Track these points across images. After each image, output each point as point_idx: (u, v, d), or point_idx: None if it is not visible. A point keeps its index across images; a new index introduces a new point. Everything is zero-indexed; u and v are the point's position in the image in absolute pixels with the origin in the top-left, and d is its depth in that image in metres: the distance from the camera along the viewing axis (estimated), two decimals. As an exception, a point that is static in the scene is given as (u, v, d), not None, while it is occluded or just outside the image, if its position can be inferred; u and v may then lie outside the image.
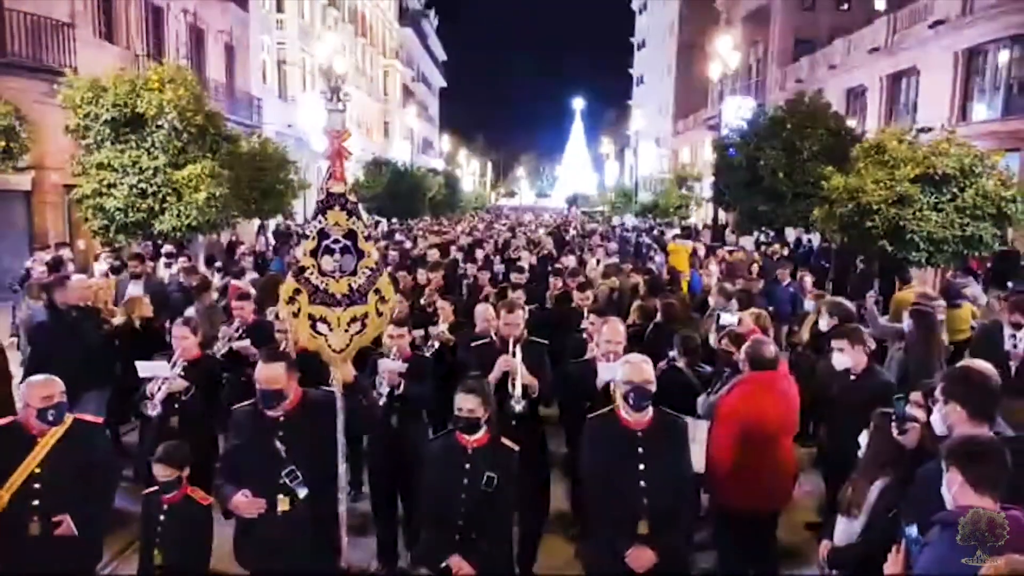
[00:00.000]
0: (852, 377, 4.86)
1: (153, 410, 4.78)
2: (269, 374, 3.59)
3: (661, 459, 3.58)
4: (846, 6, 33.89)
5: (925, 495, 2.68)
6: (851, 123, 21.30)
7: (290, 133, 29.76)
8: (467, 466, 3.63)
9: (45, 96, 15.00)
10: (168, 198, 11.55)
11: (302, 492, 3.55)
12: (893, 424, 3.30)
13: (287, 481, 3.54)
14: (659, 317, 6.82)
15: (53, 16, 16.15)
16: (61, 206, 16.51)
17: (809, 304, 8.50)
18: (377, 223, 30.38)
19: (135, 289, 8.12)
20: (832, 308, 6.04)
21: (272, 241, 19.01)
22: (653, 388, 3.66)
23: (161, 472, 3.91)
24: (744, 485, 3.93)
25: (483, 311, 5.87)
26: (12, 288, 9.75)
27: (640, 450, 3.57)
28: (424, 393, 5.03)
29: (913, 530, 2.62)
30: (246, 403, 3.83)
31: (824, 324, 6.02)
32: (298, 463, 3.57)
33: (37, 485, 3.66)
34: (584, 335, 5.81)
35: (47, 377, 3.83)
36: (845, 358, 4.85)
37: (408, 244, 16.72)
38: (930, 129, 18.13)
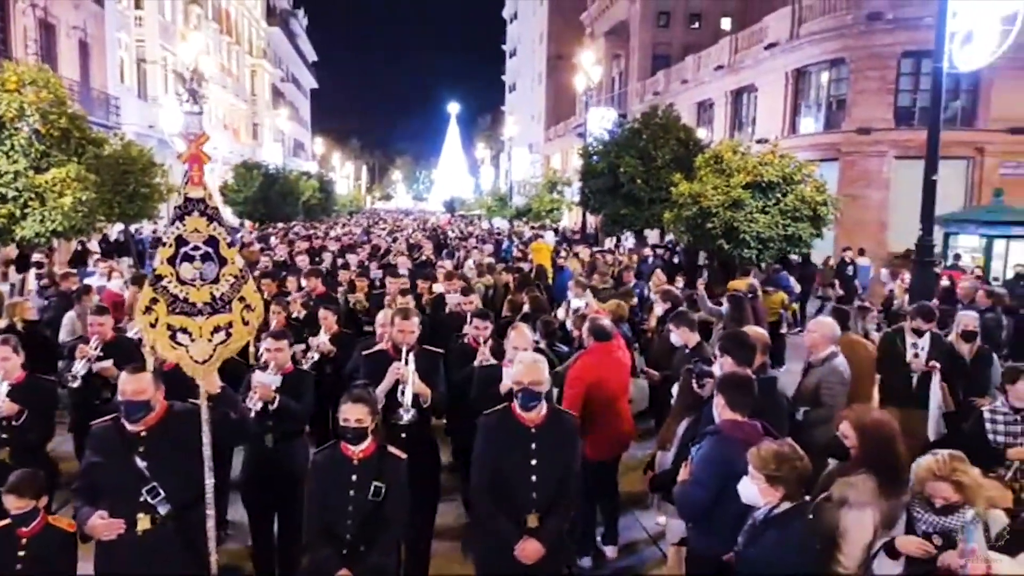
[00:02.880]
0: (687, 351, 5.89)
1: None
2: (135, 385, 3.49)
3: (552, 455, 3.71)
4: (696, 25, 36.87)
5: (707, 423, 3.68)
6: (702, 134, 23.48)
7: (152, 134, 28.52)
8: (353, 477, 3.57)
9: None
10: (31, 203, 11.18)
11: (163, 509, 3.45)
12: (693, 378, 4.32)
13: (148, 498, 3.43)
14: (527, 308, 7.72)
15: None
16: None
17: (654, 295, 9.73)
18: (241, 225, 29.73)
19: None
20: (664, 296, 7.19)
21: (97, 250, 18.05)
22: (542, 388, 3.74)
23: (14, 504, 3.59)
24: (590, 437, 4.80)
25: (382, 318, 5.71)
26: None
27: (533, 446, 3.70)
28: (301, 409, 4.84)
29: (695, 449, 3.60)
30: (106, 419, 3.67)
31: (659, 310, 7.16)
32: (161, 479, 3.47)
33: None
34: (467, 339, 5.77)
35: None
36: (677, 337, 5.94)
37: (280, 249, 16.20)
38: (766, 140, 20.50)
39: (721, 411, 3.54)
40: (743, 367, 3.91)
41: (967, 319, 6.42)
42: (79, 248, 16.71)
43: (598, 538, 5.53)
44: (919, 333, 6.13)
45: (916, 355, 6.07)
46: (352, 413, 3.57)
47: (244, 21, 49.08)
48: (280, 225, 29.24)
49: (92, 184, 12.11)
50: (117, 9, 27.78)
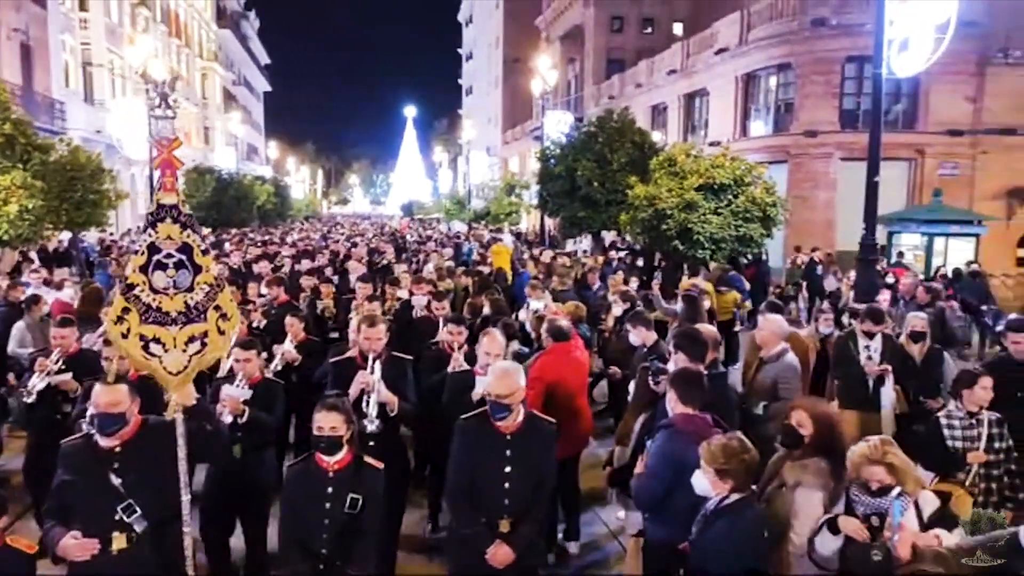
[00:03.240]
0: (644, 350, 6.03)
1: None
2: (110, 397, 3.38)
3: (526, 463, 3.72)
4: (649, 30, 37.51)
5: (662, 418, 3.83)
6: (657, 136, 23.90)
7: (99, 139, 27.86)
8: (329, 489, 3.51)
9: None
10: (-27, 211, 10.89)
11: (139, 527, 3.35)
12: (649, 376, 4.48)
13: (123, 516, 3.34)
14: (487, 310, 7.81)
15: None
16: None
17: (612, 296, 9.93)
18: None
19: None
20: (621, 296, 7.37)
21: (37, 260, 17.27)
22: (511, 400, 3.71)
23: None
24: (550, 436, 4.92)
25: (355, 324, 5.56)
26: None
27: (508, 453, 3.71)
28: (271, 421, 4.79)
29: (650, 442, 3.75)
30: (76, 436, 3.57)
31: (618, 310, 7.35)
32: (137, 496, 3.37)
33: None
34: (441, 345, 5.71)
35: None
36: (635, 337, 6.10)
37: (235, 256, 15.60)
38: (719, 143, 20.97)
39: (674, 405, 3.70)
40: (696, 363, 4.08)
41: (915, 320, 6.43)
42: (19, 259, 16.17)
43: (559, 535, 5.64)
44: (870, 335, 6.16)
45: (869, 357, 6.08)
46: (326, 422, 3.52)
47: (194, 23, 48.15)
48: (234, 231, 28.80)
49: (39, 191, 11.86)
50: (61, 11, 27.01)
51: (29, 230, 11.77)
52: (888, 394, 5.95)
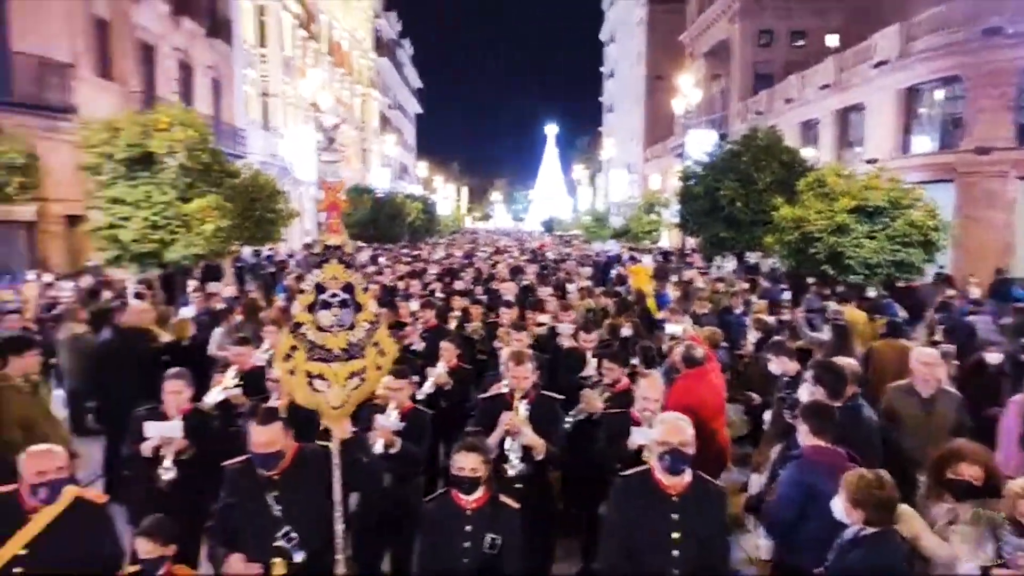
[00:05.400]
0: (785, 380, 5.84)
1: (168, 474, 4.23)
2: (265, 437, 3.50)
3: (697, 528, 3.38)
4: (800, 42, 36.00)
5: (795, 448, 3.96)
6: (809, 153, 22.87)
7: (274, 162, 30.90)
8: (467, 528, 3.50)
9: (48, 132, 16.05)
10: (178, 230, 12.59)
11: (298, 556, 3.42)
12: (785, 408, 4.58)
13: (283, 543, 3.43)
14: (626, 332, 8.06)
15: (55, 57, 17.15)
16: (62, 236, 17.40)
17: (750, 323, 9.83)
18: (359, 249, 31.48)
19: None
20: (755, 324, 7.39)
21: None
22: (692, 451, 3.44)
23: (145, 548, 3.47)
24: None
25: (506, 356, 5.35)
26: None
27: (675, 516, 3.38)
28: (421, 453, 4.77)
29: (782, 472, 3.88)
30: (239, 459, 3.67)
31: (753, 337, 7.37)
32: (294, 523, 3.46)
33: (19, 569, 3.30)
34: (591, 382, 5.61)
35: (46, 448, 3.52)
36: (776, 366, 6.07)
37: (389, 273, 16.31)
38: (875, 160, 19.83)
39: (805, 437, 3.81)
40: (833, 399, 4.14)
41: None
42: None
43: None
44: None
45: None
46: (466, 462, 3.56)
47: (355, 53, 52.04)
48: (390, 246, 30.82)
49: (229, 212, 13.49)
50: (244, 47, 30.31)
51: (220, 246, 13.47)
52: None
